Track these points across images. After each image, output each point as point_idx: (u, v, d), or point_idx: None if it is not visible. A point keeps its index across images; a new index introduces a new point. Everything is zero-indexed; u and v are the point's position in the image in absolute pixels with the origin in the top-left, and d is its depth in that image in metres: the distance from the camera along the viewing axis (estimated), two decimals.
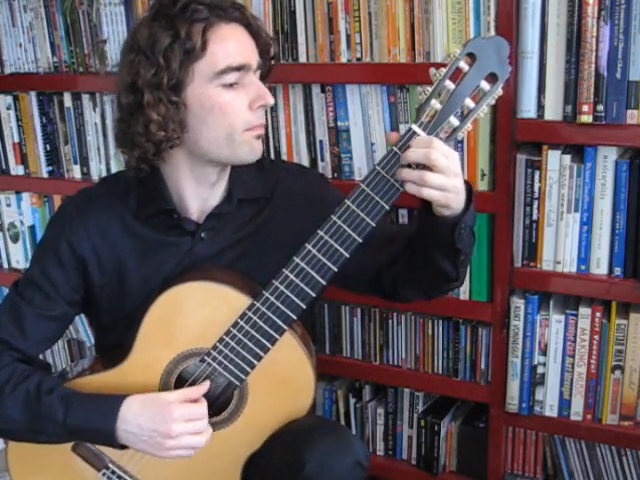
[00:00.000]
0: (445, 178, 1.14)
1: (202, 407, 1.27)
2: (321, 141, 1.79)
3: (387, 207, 1.18)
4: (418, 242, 1.30)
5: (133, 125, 1.27)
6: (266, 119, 1.35)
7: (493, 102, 1.17)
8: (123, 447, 1.29)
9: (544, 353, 1.66)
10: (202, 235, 1.36)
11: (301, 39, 1.73)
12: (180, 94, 1.25)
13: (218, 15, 1.25)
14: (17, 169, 2.22)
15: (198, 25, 1.24)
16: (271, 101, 1.30)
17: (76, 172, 2.15)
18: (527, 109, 1.54)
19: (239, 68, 1.26)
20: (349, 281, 1.39)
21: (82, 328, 2.26)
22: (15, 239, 2.29)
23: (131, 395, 1.27)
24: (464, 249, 1.26)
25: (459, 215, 1.20)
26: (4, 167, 2.25)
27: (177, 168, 1.34)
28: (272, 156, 1.83)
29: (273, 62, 1.38)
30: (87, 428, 1.26)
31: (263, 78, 1.34)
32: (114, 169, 2.06)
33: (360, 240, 1.19)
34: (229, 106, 1.26)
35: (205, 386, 1.29)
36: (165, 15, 1.24)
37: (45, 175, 2.19)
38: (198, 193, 1.36)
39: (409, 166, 1.15)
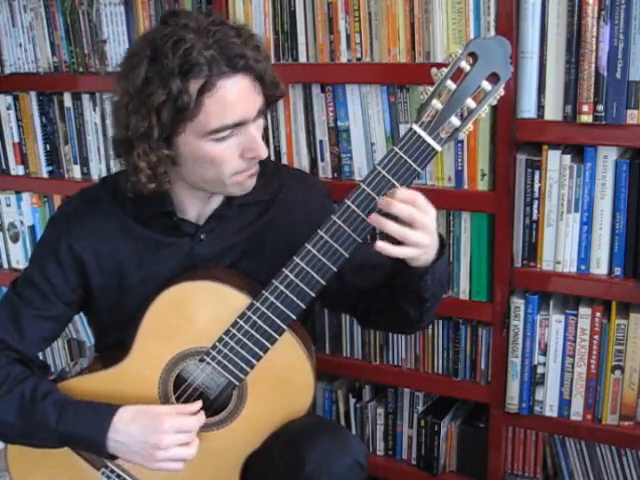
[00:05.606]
0: (423, 235, 1.16)
1: (193, 420, 1.27)
2: (321, 141, 1.79)
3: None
4: (390, 281, 1.32)
5: (126, 160, 1.27)
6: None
7: (495, 102, 1.17)
8: (112, 457, 1.29)
9: (544, 353, 1.66)
10: (201, 237, 1.36)
11: (301, 39, 1.74)
12: (171, 144, 1.24)
13: (220, 71, 1.18)
14: (17, 169, 2.23)
15: (195, 83, 1.17)
16: (264, 155, 1.26)
17: (76, 172, 2.15)
18: (527, 109, 1.54)
19: (234, 125, 1.23)
20: (330, 299, 1.38)
21: (82, 328, 2.26)
22: (15, 239, 2.29)
23: (124, 406, 1.27)
24: (430, 298, 1.27)
25: (427, 267, 1.22)
26: (4, 167, 2.25)
27: (174, 182, 1.33)
28: (272, 156, 1.83)
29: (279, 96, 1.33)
30: (78, 436, 1.26)
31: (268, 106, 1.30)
32: (114, 169, 2.06)
33: (360, 240, 1.19)
34: (219, 158, 1.24)
35: (197, 405, 1.29)
36: (163, 63, 1.17)
37: (45, 175, 2.19)
38: (197, 199, 1.36)
39: (387, 215, 1.15)
